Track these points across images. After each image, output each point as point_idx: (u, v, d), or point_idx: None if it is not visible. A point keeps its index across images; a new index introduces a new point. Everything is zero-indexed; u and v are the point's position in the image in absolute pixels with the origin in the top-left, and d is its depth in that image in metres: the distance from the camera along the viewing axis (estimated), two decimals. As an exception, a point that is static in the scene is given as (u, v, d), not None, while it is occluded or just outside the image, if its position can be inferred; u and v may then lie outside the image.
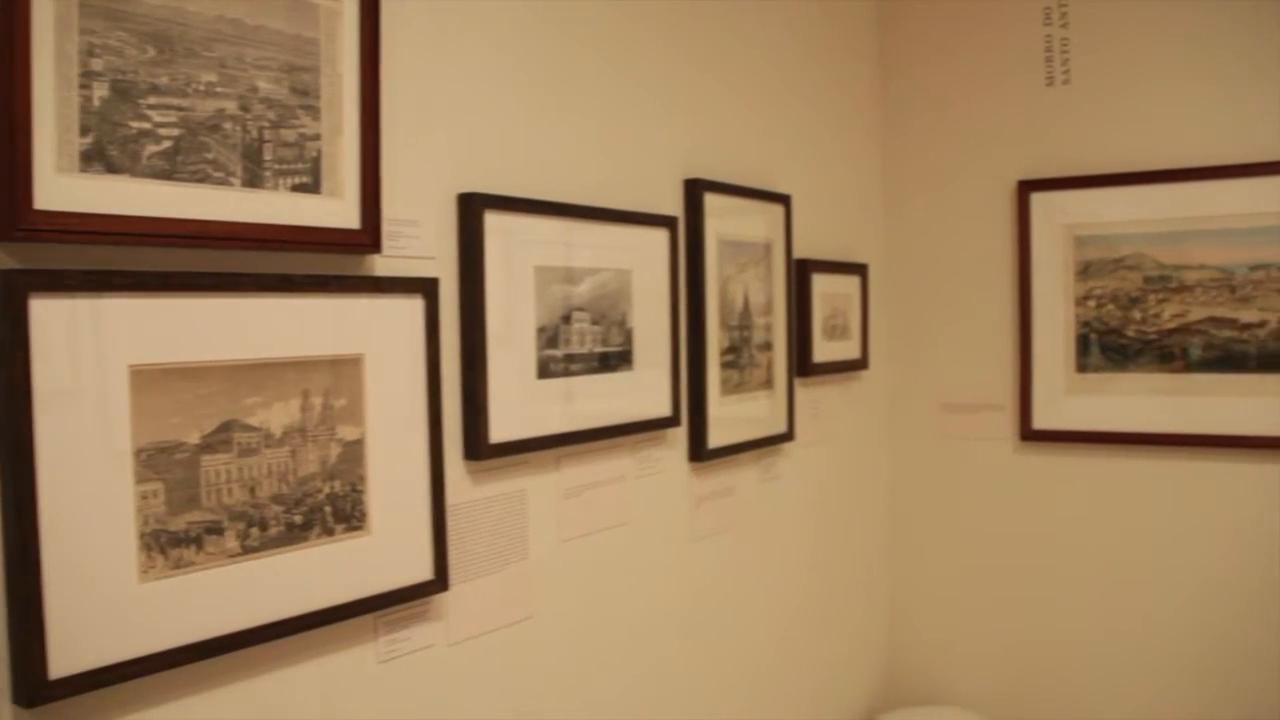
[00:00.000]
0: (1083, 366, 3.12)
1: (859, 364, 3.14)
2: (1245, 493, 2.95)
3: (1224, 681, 3.00)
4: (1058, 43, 3.15)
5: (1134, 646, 3.10)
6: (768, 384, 2.63)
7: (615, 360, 2.08)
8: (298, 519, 1.44)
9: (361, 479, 1.54)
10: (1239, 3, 2.92)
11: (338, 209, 1.49)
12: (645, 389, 2.17)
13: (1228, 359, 2.95)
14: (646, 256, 2.17)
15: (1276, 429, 2.90)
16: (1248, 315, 2.93)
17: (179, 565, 1.31)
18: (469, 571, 1.79)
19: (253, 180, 1.38)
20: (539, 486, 1.95)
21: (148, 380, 1.27)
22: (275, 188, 1.41)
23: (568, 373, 1.96)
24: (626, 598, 2.19)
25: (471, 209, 1.74)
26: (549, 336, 1.91)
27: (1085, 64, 3.12)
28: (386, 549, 1.58)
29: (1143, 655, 3.09)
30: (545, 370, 1.90)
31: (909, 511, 3.40)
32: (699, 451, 2.36)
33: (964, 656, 3.33)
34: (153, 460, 1.27)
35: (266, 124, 1.40)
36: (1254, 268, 2.92)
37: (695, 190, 2.34)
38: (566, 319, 1.95)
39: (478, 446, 1.76)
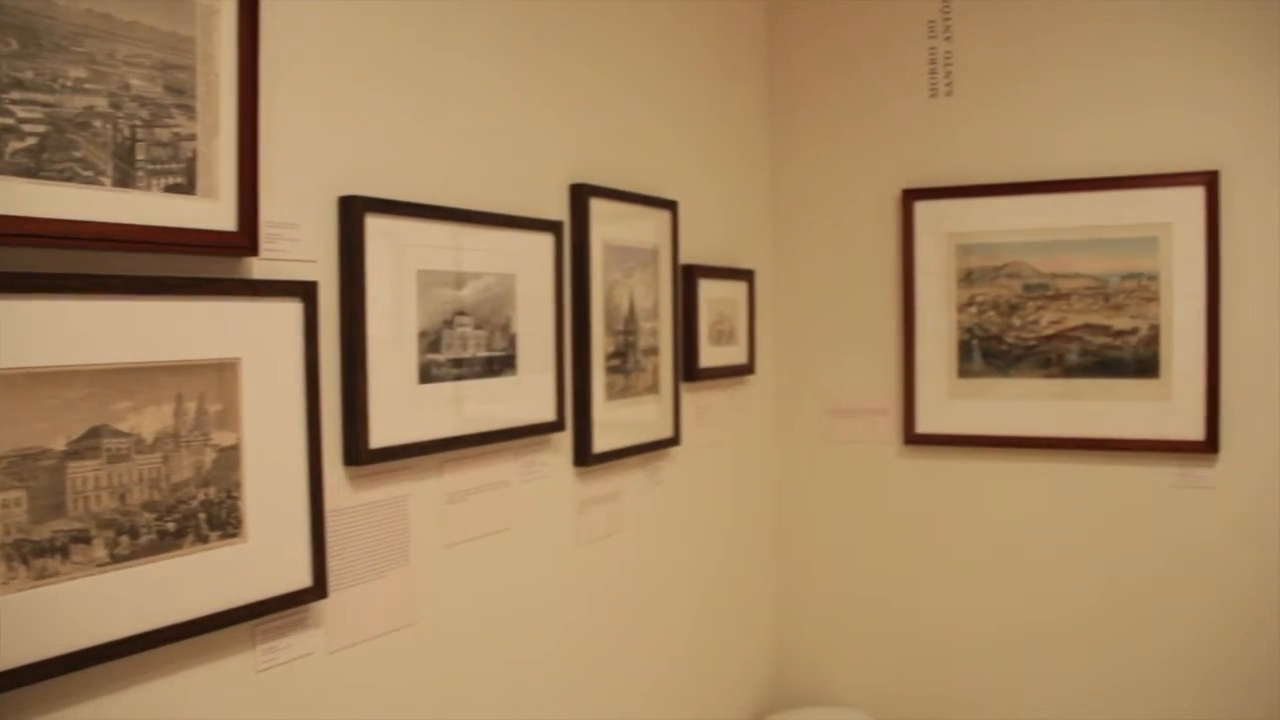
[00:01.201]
0: (965, 372, 3.20)
1: (745, 369, 3.17)
2: (1120, 493, 3.06)
3: (1105, 677, 3.09)
4: (941, 55, 3.22)
5: (1017, 644, 3.18)
6: (654, 389, 2.65)
7: (499, 365, 2.07)
8: (170, 527, 1.41)
9: (237, 485, 1.51)
10: (1116, 19, 3.03)
11: (214, 210, 1.47)
12: (529, 393, 2.17)
13: (1102, 364, 3.05)
14: (531, 261, 2.17)
15: (1148, 432, 3.01)
16: (1120, 323, 3.03)
17: (43, 576, 1.27)
18: (349, 578, 1.76)
19: (124, 180, 1.35)
20: (421, 492, 1.93)
21: (9, 385, 1.23)
22: (148, 188, 1.37)
23: (450, 377, 1.94)
24: (511, 603, 2.18)
25: (352, 212, 1.72)
26: (431, 341, 1.90)
27: (968, 76, 3.20)
28: (263, 556, 1.55)
29: (1026, 653, 3.17)
30: (427, 375, 1.89)
31: (795, 515, 3.44)
32: (584, 456, 2.36)
33: (851, 657, 3.39)
34: (14, 468, 1.24)
35: (139, 123, 1.36)
36: (1126, 277, 3.02)
37: (581, 195, 2.34)
38: (449, 323, 1.94)
39: (358, 452, 1.74)
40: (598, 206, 2.39)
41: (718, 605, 3.10)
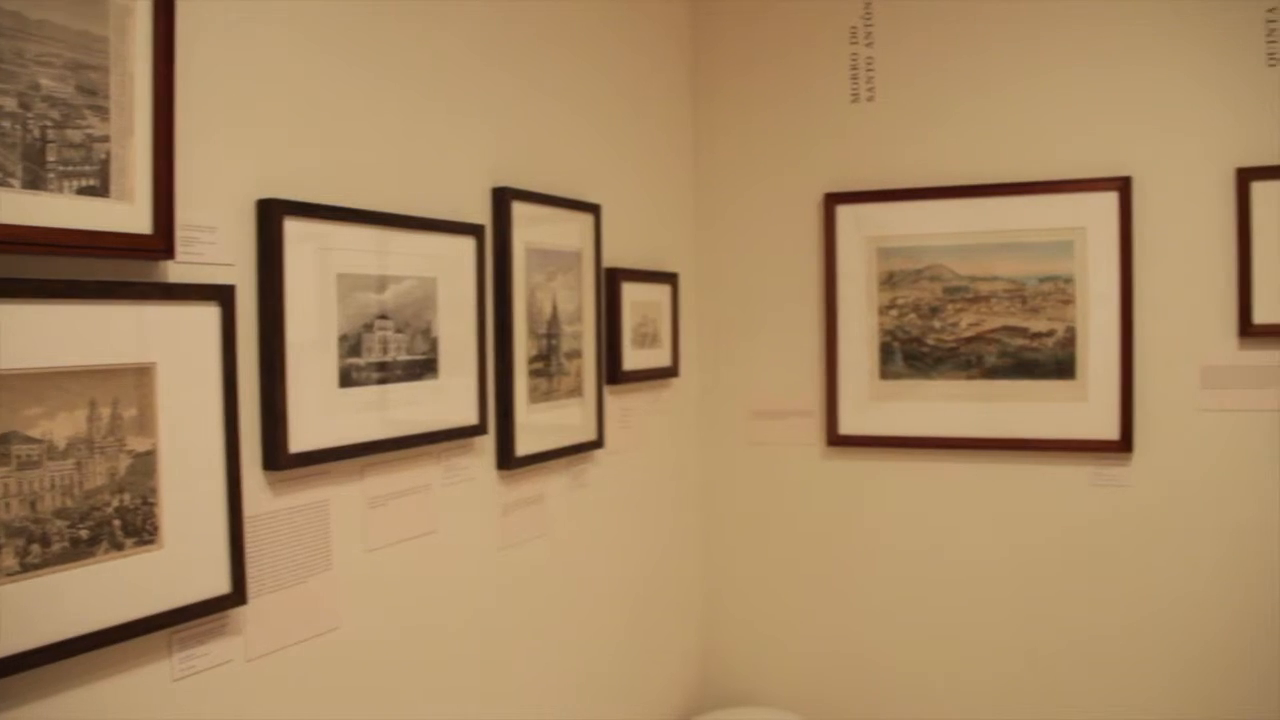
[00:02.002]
0: (886, 373, 3.24)
1: (669, 372, 3.18)
2: (1040, 492, 3.12)
3: (1030, 674, 3.15)
4: (863, 61, 3.27)
5: (943, 642, 3.23)
6: (577, 391, 2.65)
7: (420, 368, 2.06)
8: (84, 534, 1.39)
9: (153, 491, 1.49)
10: (1034, 28, 3.09)
11: (128, 213, 1.45)
12: (451, 397, 2.16)
13: (1021, 366, 3.11)
14: (453, 264, 2.16)
15: (1065, 432, 3.07)
16: (1038, 325, 3.09)
17: (-48, 584, 1.25)
18: (269, 584, 1.75)
19: (35, 182, 1.32)
20: (343, 496, 1.92)
21: (-83, 390, 1.21)
22: (60, 190, 1.35)
23: (371, 381, 1.93)
24: (435, 607, 2.18)
25: (271, 215, 1.71)
26: (352, 345, 1.88)
27: (889, 82, 3.25)
28: (180, 563, 1.54)
29: (951, 650, 3.22)
30: (348, 379, 1.88)
31: (721, 516, 3.46)
32: (507, 459, 2.36)
33: (777, 657, 3.41)
34: (-78, 474, 1.21)
35: (50, 123, 1.34)
36: (1043, 280, 3.08)
37: (503, 198, 2.34)
38: (370, 327, 1.93)
39: (277, 456, 1.72)
40: (520, 210, 2.39)
41: (644, 607, 3.11)
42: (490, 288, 2.32)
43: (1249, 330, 2.92)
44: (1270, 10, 2.90)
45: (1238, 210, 2.92)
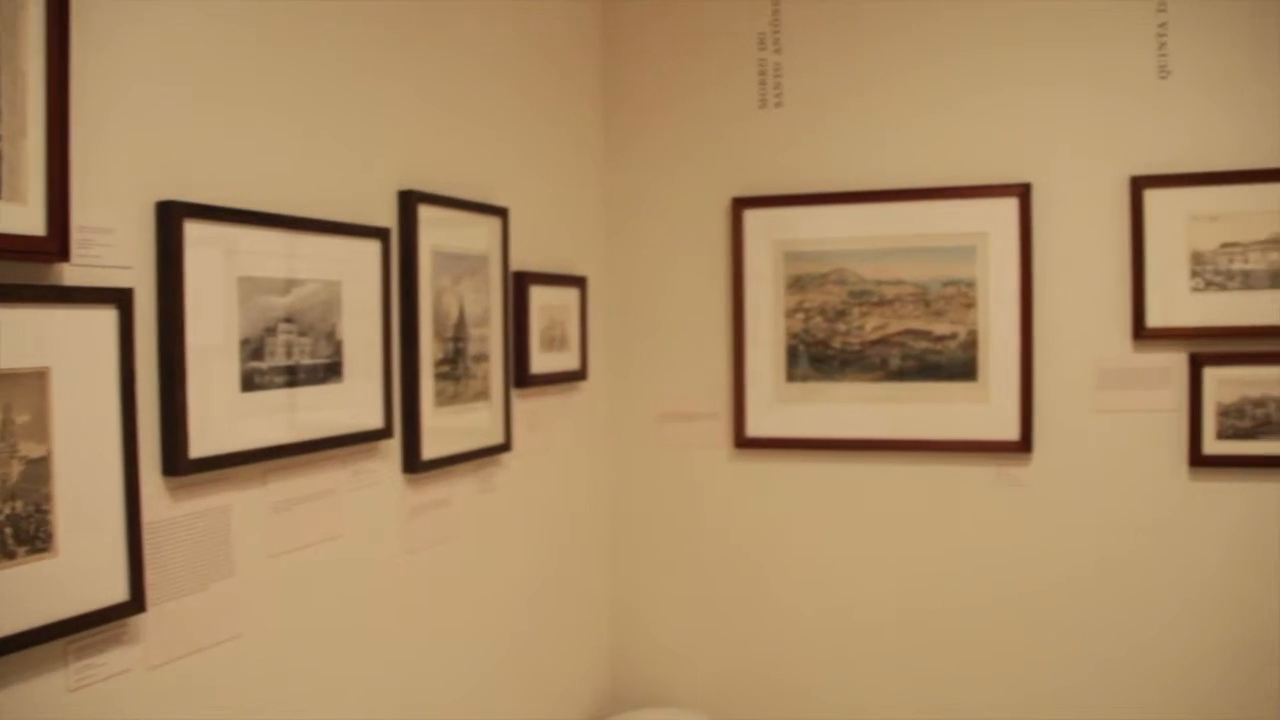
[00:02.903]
0: (793, 376, 3.28)
1: (578, 375, 3.19)
2: (943, 492, 3.18)
3: (936, 673, 3.21)
4: (771, 67, 3.30)
5: (850, 641, 3.28)
6: (484, 395, 2.65)
7: (324, 372, 2.05)
8: (-26, 542, 1.36)
9: (47, 498, 1.46)
10: (939, 37, 3.16)
11: (20, 214, 1.42)
12: (356, 401, 2.15)
13: (924, 368, 3.17)
14: (357, 268, 2.15)
15: (967, 433, 3.14)
16: (940, 328, 3.15)
17: None
18: (169, 591, 1.73)
19: (-78, 183, 1.30)
20: (245, 501, 1.90)
21: None
22: (-52, 191, 1.33)
23: (274, 385, 1.92)
24: (341, 612, 2.16)
25: (170, 217, 1.69)
26: (254, 349, 1.87)
27: (796, 88, 3.29)
28: (76, 571, 1.51)
29: (859, 649, 3.27)
30: (250, 383, 1.86)
31: (630, 519, 3.48)
32: (413, 463, 2.35)
33: (687, 659, 3.43)
34: None
35: (-62, 124, 1.31)
36: (946, 284, 3.15)
37: (409, 202, 2.33)
38: (272, 330, 1.91)
39: (177, 462, 1.70)
40: (427, 213, 2.38)
41: (553, 610, 3.11)
42: (396, 291, 2.31)
43: (1142, 333, 3.01)
44: (1161, 26, 2.99)
45: (1131, 217, 3.01)
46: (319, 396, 2.04)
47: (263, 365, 1.89)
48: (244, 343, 1.84)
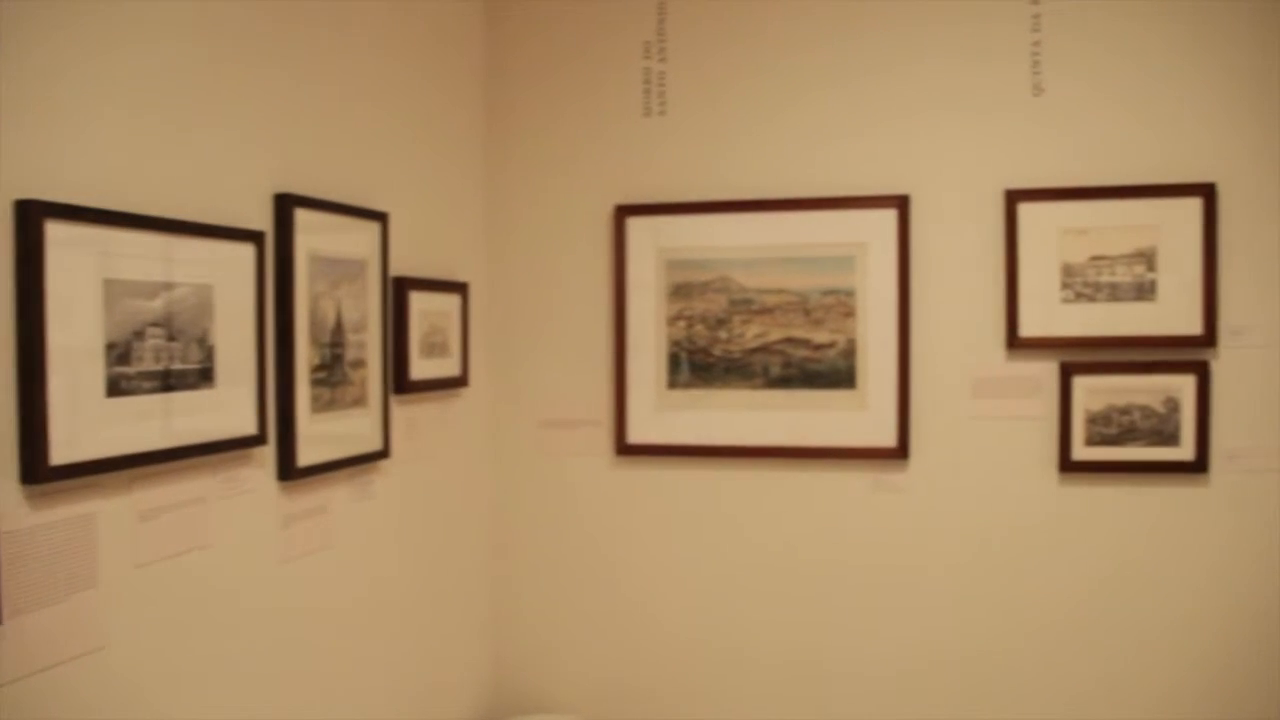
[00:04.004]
0: (674, 383, 3.30)
1: (459, 381, 3.17)
2: (823, 498, 3.24)
3: (816, 678, 3.25)
4: (655, 75, 3.33)
5: (731, 648, 3.30)
6: (362, 401, 2.62)
7: (195, 378, 2.01)
8: None
9: (-104, 507, 1.41)
10: (820, 50, 3.21)
11: None
12: (228, 407, 2.11)
13: (804, 376, 3.21)
14: (231, 272, 2.11)
15: (847, 440, 3.19)
16: (820, 336, 3.20)
17: None
18: (27, 602, 1.67)
19: None
20: (110, 510, 1.85)
21: None
22: None
23: (142, 390, 1.87)
24: (211, 622, 2.11)
25: (30, 217, 1.64)
26: (120, 353, 1.82)
27: (680, 97, 3.31)
28: (-74, 582, 1.46)
29: (740, 656, 3.30)
30: (116, 388, 1.81)
31: (512, 526, 3.46)
32: (288, 470, 2.31)
33: (570, 665, 3.43)
34: None
35: None
36: (826, 293, 3.20)
37: (285, 205, 2.30)
38: (140, 335, 1.86)
39: (37, 469, 1.65)
40: (303, 217, 2.35)
41: (433, 618, 3.09)
42: (271, 296, 2.27)
43: (1016, 342, 3.09)
44: (1035, 45, 3.09)
45: (1006, 230, 3.09)
46: (190, 402, 2.00)
47: (130, 370, 1.84)
48: (110, 347, 1.80)
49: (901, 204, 3.15)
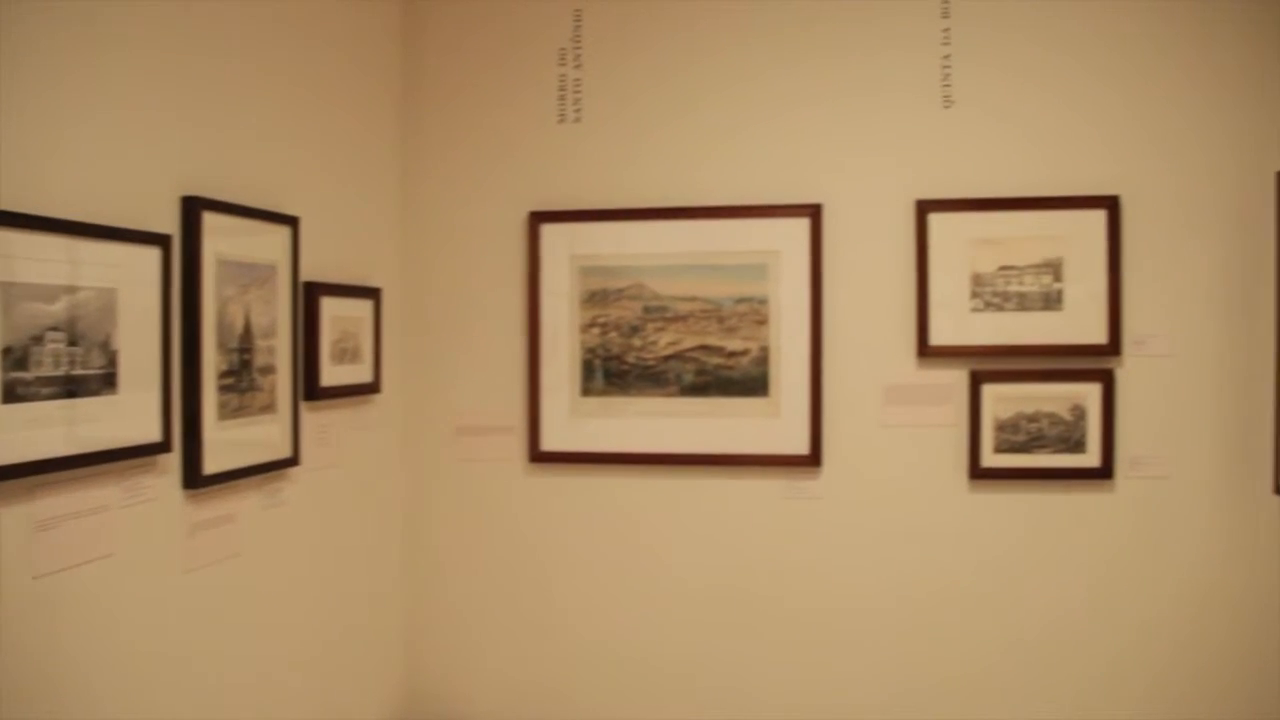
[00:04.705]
0: (588, 390, 3.30)
1: (371, 388, 3.14)
2: (737, 505, 3.26)
3: (734, 683, 3.27)
4: (571, 83, 3.33)
5: (647, 655, 3.31)
6: (271, 408, 2.58)
7: (97, 383, 1.96)
8: None
9: None
10: (737, 62, 3.24)
11: None
12: (131, 413, 2.06)
13: (717, 384, 3.23)
14: (135, 275, 2.07)
15: (760, 447, 3.22)
16: (733, 344, 3.22)
17: None
18: (-82, 615, 1.63)
19: None
20: (7, 519, 1.80)
21: None
22: None
23: (41, 396, 1.82)
24: (113, 633, 2.07)
25: (-76, 218, 1.60)
26: (18, 358, 1.77)
27: (596, 104, 3.32)
28: None
29: (654, 662, 3.30)
30: (13, 394, 1.76)
31: (425, 534, 3.43)
32: (194, 478, 2.27)
33: (484, 675, 3.40)
34: None
35: None
36: (739, 301, 3.22)
37: (193, 208, 2.26)
38: (39, 339, 1.82)
39: (-72, 477, 1.61)
40: (211, 220, 2.31)
41: (346, 625, 3.05)
42: (177, 300, 2.23)
43: (926, 351, 3.14)
44: (945, 58, 3.14)
45: (917, 239, 3.14)
46: (91, 409, 1.95)
47: (27, 375, 1.79)
48: (6, 351, 1.75)
49: (814, 213, 3.18)
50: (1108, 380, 3.07)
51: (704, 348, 3.24)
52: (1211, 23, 3.04)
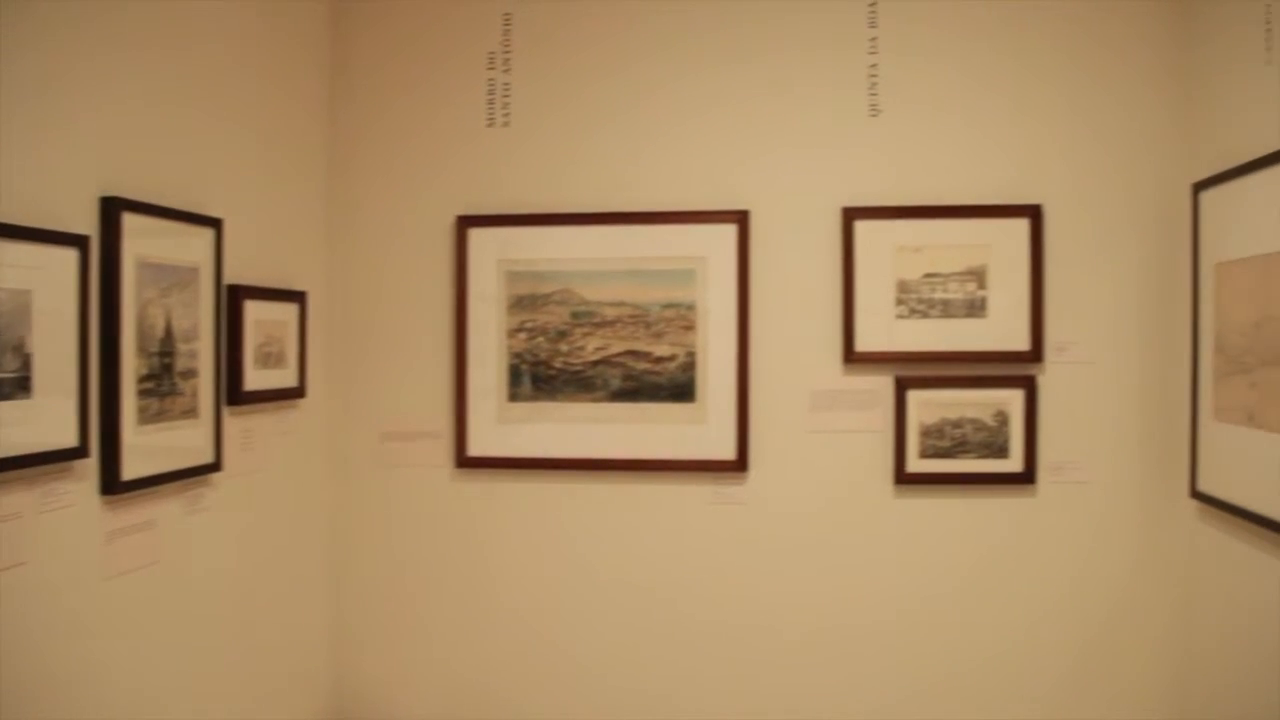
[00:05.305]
0: (515, 396, 3.28)
1: (296, 392, 3.11)
2: (664, 511, 3.27)
3: (658, 690, 3.27)
4: (500, 87, 3.31)
5: (574, 660, 3.30)
6: (193, 413, 2.54)
7: (10, 387, 1.92)
8: None
9: None
10: (664, 67, 3.25)
11: None
12: (47, 418, 2.02)
13: (644, 389, 3.23)
14: (51, 277, 2.03)
15: (687, 452, 3.22)
16: (660, 349, 3.23)
17: None
18: None
19: None
20: (-85, 526, 1.76)
21: None
22: None
23: (-48, 401, 1.79)
24: (26, 643, 2.02)
25: None
26: (-72, 361, 1.74)
27: (525, 109, 3.31)
28: None
29: (582, 667, 3.30)
30: (-77, 398, 1.73)
31: (351, 539, 3.39)
32: (112, 484, 2.23)
33: (412, 679, 3.37)
34: None
35: None
36: (666, 306, 3.22)
37: (112, 209, 2.22)
38: (-50, 342, 1.78)
39: None
40: (132, 221, 2.27)
41: (271, 631, 3.01)
42: (95, 302, 2.19)
43: (852, 357, 3.16)
44: (872, 68, 3.18)
45: (843, 246, 3.16)
46: (4, 413, 1.91)
47: (-62, 379, 1.75)
48: (-84, 355, 1.71)
49: (741, 219, 3.19)
50: (1030, 386, 3.12)
51: (631, 353, 3.24)
52: (1131, 41, 3.11)
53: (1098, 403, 3.13)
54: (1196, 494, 2.88)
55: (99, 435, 2.21)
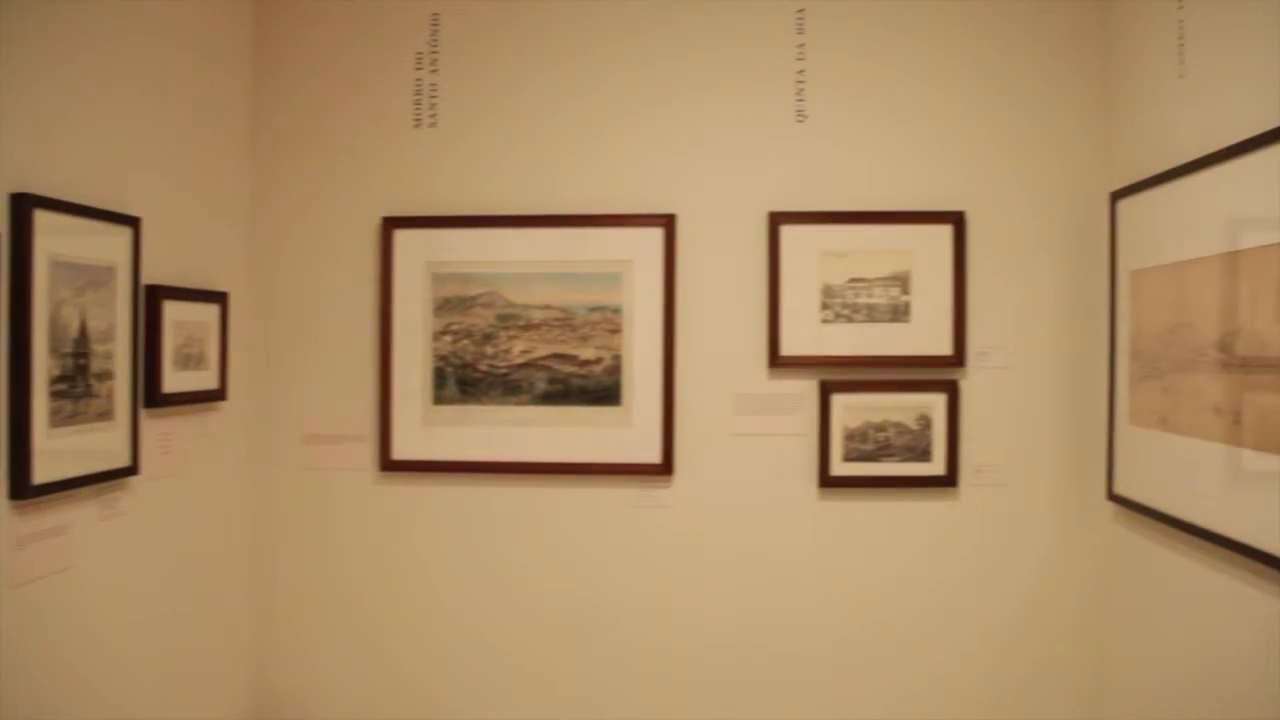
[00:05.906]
0: (440, 399, 3.26)
1: (217, 395, 3.06)
2: (590, 514, 3.27)
3: (584, 693, 3.27)
4: (427, 87, 3.29)
5: (498, 663, 3.28)
6: (108, 415, 2.49)
7: (-87, 389, 1.87)
8: None
9: None
10: (593, 72, 3.25)
11: None
12: (-47, 420, 1.98)
13: (570, 392, 3.22)
14: (-41, 275, 1.98)
15: (612, 456, 3.23)
16: (586, 353, 3.22)
17: None
18: None
19: None
20: None
21: None
22: None
23: None
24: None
25: None
26: None
27: (452, 109, 3.29)
28: None
29: (507, 670, 3.28)
30: None
31: (273, 543, 3.35)
32: (22, 488, 2.18)
33: (334, 684, 3.34)
34: None
35: None
36: (592, 309, 3.22)
37: (23, 206, 2.17)
38: None
39: None
40: (44, 219, 2.23)
41: (190, 636, 2.96)
42: (5, 302, 2.14)
43: (777, 361, 3.18)
44: (800, 74, 3.19)
45: (769, 251, 3.18)
46: (-92, 415, 1.86)
47: None
48: None
49: (668, 223, 3.20)
50: (952, 391, 3.16)
51: (557, 356, 3.23)
52: (1052, 54, 3.16)
53: (1019, 407, 3.17)
54: (1113, 496, 2.93)
55: (8, 438, 2.16)
